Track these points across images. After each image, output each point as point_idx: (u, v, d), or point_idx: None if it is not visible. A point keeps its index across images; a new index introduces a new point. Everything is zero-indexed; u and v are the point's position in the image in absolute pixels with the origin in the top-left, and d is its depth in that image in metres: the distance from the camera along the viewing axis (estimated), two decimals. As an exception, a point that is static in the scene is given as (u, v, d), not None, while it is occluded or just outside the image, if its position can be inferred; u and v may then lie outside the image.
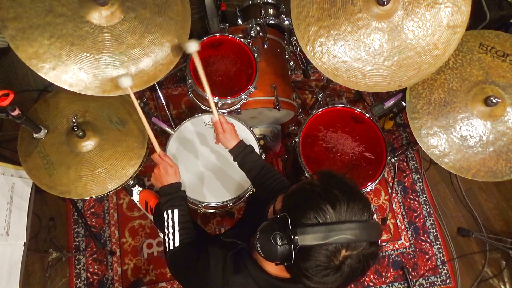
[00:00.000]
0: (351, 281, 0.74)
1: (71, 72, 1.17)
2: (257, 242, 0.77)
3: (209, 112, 1.65)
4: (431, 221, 2.18)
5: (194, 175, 1.52)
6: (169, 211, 1.12)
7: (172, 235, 1.08)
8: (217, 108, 1.65)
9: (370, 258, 0.73)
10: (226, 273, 0.89)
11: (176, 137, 1.56)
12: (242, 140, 1.27)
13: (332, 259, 0.70)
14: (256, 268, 0.87)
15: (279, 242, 0.72)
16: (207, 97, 1.30)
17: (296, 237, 0.70)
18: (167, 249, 1.09)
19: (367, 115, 1.65)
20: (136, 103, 1.25)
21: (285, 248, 0.72)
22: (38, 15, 1.13)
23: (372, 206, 0.76)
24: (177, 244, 1.08)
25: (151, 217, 1.95)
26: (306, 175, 1.55)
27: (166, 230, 1.10)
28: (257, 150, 1.56)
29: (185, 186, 1.48)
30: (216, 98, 1.58)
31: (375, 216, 0.77)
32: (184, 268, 1.01)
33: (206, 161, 1.55)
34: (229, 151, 1.27)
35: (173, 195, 1.16)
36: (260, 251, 0.76)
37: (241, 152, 1.25)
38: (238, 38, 1.68)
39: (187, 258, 1.02)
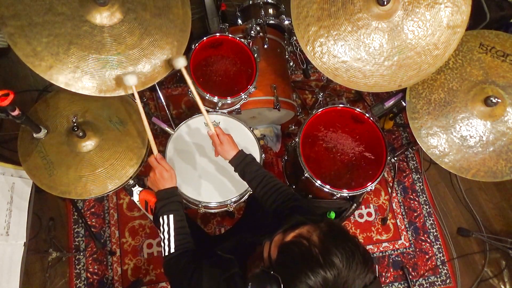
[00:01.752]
0: None
1: (68, 71, 1.17)
2: None
3: (209, 111, 1.65)
4: (431, 221, 2.18)
5: (194, 175, 1.52)
6: (165, 216, 1.12)
7: (168, 241, 1.08)
8: (217, 109, 1.66)
9: None
10: None
11: (176, 137, 1.56)
12: (242, 150, 1.26)
13: None
14: None
15: None
16: (202, 105, 1.31)
17: None
18: (163, 254, 1.09)
19: (367, 115, 1.65)
20: (139, 102, 1.25)
21: None
22: (38, 13, 1.13)
23: (374, 264, 0.73)
24: (172, 250, 1.07)
25: (151, 217, 1.94)
26: (306, 175, 1.55)
27: (162, 236, 1.10)
28: (257, 150, 1.56)
29: (185, 186, 1.49)
30: (216, 98, 1.58)
31: (376, 273, 0.74)
32: (177, 280, 1.01)
33: (207, 160, 1.55)
34: (229, 162, 1.25)
35: (169, 200, 1.15)
36: None
37: (240, 163, 1.23)
38: (238, 38, 1.68)
39: (181, 271, 1.01)
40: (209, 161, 1.55)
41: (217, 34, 1.67)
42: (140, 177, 2.05)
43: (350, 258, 0.68)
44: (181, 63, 1.29)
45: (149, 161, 1.22)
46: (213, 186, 1.51)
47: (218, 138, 1.24)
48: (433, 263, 2.10)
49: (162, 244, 1.09)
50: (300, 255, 0.71)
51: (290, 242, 0.75)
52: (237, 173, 1.26)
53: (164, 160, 1.22)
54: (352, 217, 2.14)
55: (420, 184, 2.25)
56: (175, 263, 1.06)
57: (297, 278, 0.68)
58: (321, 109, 1.66)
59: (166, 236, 1.09)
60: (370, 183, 1.55)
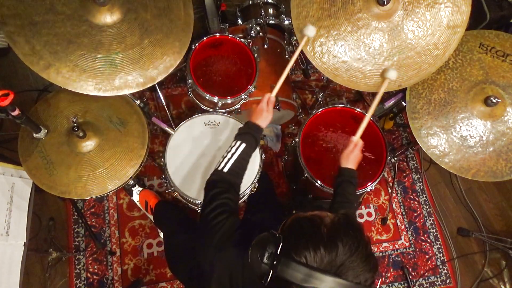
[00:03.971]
0: None
1: (67, 70, 1.17)
2: (250, 248, 0.77)
3: (209, 112, 1.65)
4: (431, 221, 2.18)
5: (194, 175, 1.52)
6: (238, 142, 1.17)
7: (228, 159, 1.14)
8: (217, 109, 1.66)
9: None
10: (227, 241, 0.95)
11: (176, 137, 1.56)
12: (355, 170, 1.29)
13: None
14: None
15: (264, 260, 0.72)
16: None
17: (279, 266, 0.70)
18: (216, 167, 1.14)
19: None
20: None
21: (266, 268, 0.72)
22: (38, 12, 1.14)
23: (377, 273, 0.73)
24: (225, 169, 1.12)
25: (151, 217, 1.95)
26: (306, 175, 1.55)
27: (226, 153, 1.16)
28: (257, 150, 1.56)
29: (185, 185, 1.49)
30: (216, 98, 1.58)
31: (375, 284, 0.74)
32: (207, 200, 1.06)
33: (206, 160, 1.55)
34: (340, 169, 1.28)
35: (250, 132, 1.22)
36: (249, 256, 0.77)
37: (351, 178, 1.26)
38: (238, 38, 1.68)
39: (219, 194, 1.05)
40: (209, 161, 1.55)
41: (217, 34, 1.67)
42: (140, 177, 2.06)
43: (353, 248, 0.69)
44: (311, 31, 1.31)
45: (264, 96, 1.30)
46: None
47: (354, 147, 1.29)
48: (433, 263, 2.10)
49: (221, 159, 1.15)
50: (309, 228, 0.73)
51: (304, 216, 0.78)
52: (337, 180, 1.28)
53: (272, 105, 1.30)
54: (352, 217, 2.13)
55: (420, 184, 2.25)
56: (217, 182, 1.10)
57: (297, 248, 0.70)
58: (321, 109, 1.66)
59: (229, 156, 1.14)
60: (370, 183, 1.55)
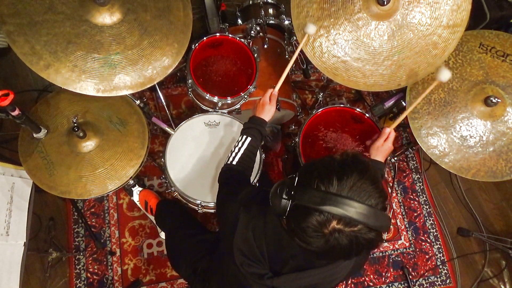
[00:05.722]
0: (338, 256, 0.77)
1: (66, 70, 1.17)
2: (272, 191, 0.84)
3: (209, 112, 1.65)
4: (431, 221, 2.18)
5: (193, 175, 1.52)
6: (244, 136, 1.26)
7: (235, 154, 1.24)
8: (217, 109, 1.66)
9: (365, 243, 0.74)
10: (251, 200, 1.03)
11: (176, 137, 1.56)
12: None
13: (322, 226, 0.73)
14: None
15: (284, 196, 0.80)
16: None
17: (296, 195, 0.77)
18: (226, 162, 1.25)
19: (367, 115, 1.65)
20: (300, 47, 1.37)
21: (286, 203, 0.79)
22: (38, 12, 1.14)
23: (386, 200, 0.79)
24: (234, 162, 1.23)
25: (151, 217, 1.95)
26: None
27: (234, 148, 1.26)
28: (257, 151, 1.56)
29: (185, 185, 1.49)
30: (216, 98, 1.58)
31: (387, 210, 0.79)
32: (223, 185, 1.18)
33: (206, 160, 1.55)
34: (375, 161, 1.31)
35: (255, 126, 1.29)
36: (270, 199, 0.84)
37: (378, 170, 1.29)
38: (238, 38, 1.68)
39: (231, 177, 1.20)
40: (209, 161, 1.55)
41: (217, 34, 1.66)
42: (140, 177, 2.06)
43: (362, 173, 0.75)
44: (311, 29, 1.33)
45: (268, 90, 1.35)
46: (213, 186, 1.51)
47: (389, 137, 1.34)
48: (433, 263, 2.10)
49: (229, 154, 1.25)
50: (321, 164, 0.80)
51: (317, 158, 0.84)
52: None
53: (275, 99, 1.35)
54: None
55: (420, 184, 2.25)
56: (228, 171, 1.22)
57: (310, 178, 0.77)
58: (321, 109, 1.66)
59: (236, 150, 1.24)
60: (370, 183, 1.55)
